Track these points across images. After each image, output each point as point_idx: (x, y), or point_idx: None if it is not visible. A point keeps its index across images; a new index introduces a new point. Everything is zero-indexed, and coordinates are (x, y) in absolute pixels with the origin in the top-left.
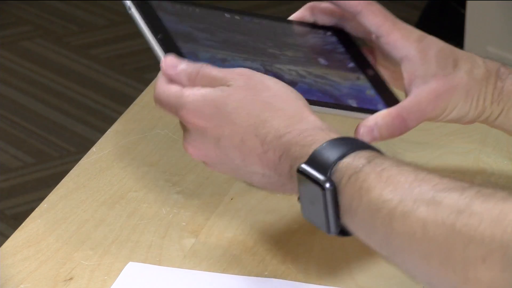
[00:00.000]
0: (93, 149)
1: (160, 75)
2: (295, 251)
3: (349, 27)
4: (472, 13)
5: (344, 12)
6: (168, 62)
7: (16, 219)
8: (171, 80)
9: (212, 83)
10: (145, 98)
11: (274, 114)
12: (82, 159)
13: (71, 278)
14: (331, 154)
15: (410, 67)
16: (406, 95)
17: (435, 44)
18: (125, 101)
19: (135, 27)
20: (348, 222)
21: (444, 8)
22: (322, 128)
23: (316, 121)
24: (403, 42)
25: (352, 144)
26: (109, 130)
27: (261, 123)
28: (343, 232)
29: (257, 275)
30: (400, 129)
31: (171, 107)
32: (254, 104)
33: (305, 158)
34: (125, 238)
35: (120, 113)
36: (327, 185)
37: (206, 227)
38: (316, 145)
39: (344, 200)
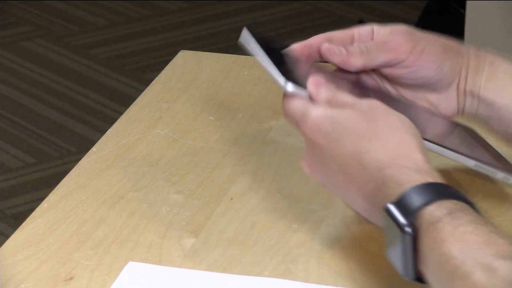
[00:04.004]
0: (93, 149)
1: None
2: (295, 251)
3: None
4: (472, 13)
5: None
6: (315, 79)
7: (16, 219)
8: (310, 97)
9: (342, 106)
10: (145, 98)
11: (382, 145)
12: (82, 159)
13: (71, 278)
14: (417, 199)
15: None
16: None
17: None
18: (125, 101)
19: (135, 27)
20: (423, 269)
21: (444, 8)
22: (421, 169)
23: (419, 161)
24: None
25: (440, 192)
26: (109, 130)
27: (366, 152)
28: (420, 279)
29: (257, 275)
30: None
31: (295, 119)
32: (368, 131)
33: (394, 198)
34: (125, 238)
35: (120, 113)
36: (407, 229)
37: (206, 227)
38: (407, 187)
39: (421, 247)
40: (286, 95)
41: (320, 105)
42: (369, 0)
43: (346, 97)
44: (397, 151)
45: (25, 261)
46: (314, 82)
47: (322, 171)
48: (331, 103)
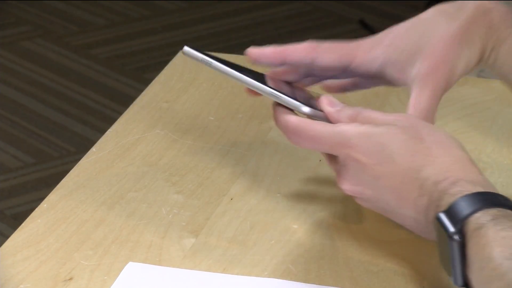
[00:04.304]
0: (93, 149)
1: (289, 117)
2: (295, 251)
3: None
4: None
5: (302, 68)
6: (329, 100)
7: (16, 219)
8: (331, 117)
9: (376, 123)
10: (145, 98)
11: (437, 160)
12: (82, 159)
13: (71, 278)
14: (466, 208)
15: (392, 69)
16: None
17: (395, 33)
18: (125, 101)
19: (135, 27)
20: (469, 275)
21: None
22: (474, 181)
23: (474, 173)
24: (370, 55)
25: (488, 200)
26: (109, 130)
27: (423, 166)
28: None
29: (257, 275)
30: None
31: (329, 142)
32: (419, 147)
33: (445, 207)
34: (125, 238)
35: (120, 113)
36: (455, 237)
37: (206, 227)
38: (458, 196)
39: (467, 252)
40: (305, 122)
41: (351, 123)
42: (369, 0)
43: (373, 113)
44: (451, 164)
45: (24, 262)
46: (328, 102)
47: (369, 190)
48: (357, 120)
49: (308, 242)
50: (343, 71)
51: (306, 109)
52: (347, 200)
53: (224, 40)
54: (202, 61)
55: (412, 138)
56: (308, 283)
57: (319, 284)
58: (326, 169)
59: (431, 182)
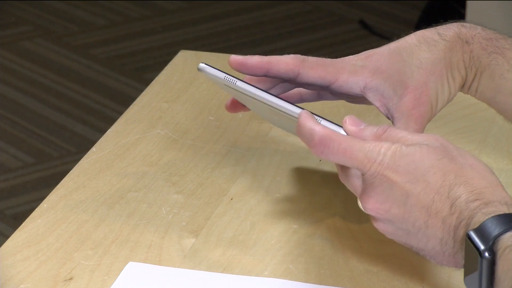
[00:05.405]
0: (93, 149)
1: (323, 134)
2: (295, 251)
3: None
4: (472, 13)
5: (284, 79)
6: (352, 119)
7: (16, 219)
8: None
9: (405, 142)
10: (145, 98)
11: (469, 181)
12: (82, 159)
13: (71, 278)
14: (497, 226)
15: (375, 95)
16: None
17: (379, 57)
18: (125, 101)
19: (135, 27)
20: None
21: (444, 8)
22: (507, 203)
23: (506, 197)
24: (354, 78)
25: None
26: (109, 130)
27: (455, 185)
28: None
29: (257, 275)
30: None
31: (360, 158)
32: (452, 167)
33: (476, 225)
34: (125, 238)
35: (120, 113)
36: (485, 254)
37: (206, 227)
38: (491, 216)
39: (497, 270)
40: (336, 135)
41: (382, 142)
42: (369, 0)
43: (400, 132)
44: (484, 187)
45: (24, 261)
46: (352, 122)
47: (396, 208)
48: (382, 139)
49: (308, 242)
50: (323, 89)
51: (343, 132)
52: (347, 200)
53: (224, 40)
54: (224, 79)
55: (445, 158)
56: (308, 283)
57: (319, 284)
58: (326, 169)
59: (463, 201)
